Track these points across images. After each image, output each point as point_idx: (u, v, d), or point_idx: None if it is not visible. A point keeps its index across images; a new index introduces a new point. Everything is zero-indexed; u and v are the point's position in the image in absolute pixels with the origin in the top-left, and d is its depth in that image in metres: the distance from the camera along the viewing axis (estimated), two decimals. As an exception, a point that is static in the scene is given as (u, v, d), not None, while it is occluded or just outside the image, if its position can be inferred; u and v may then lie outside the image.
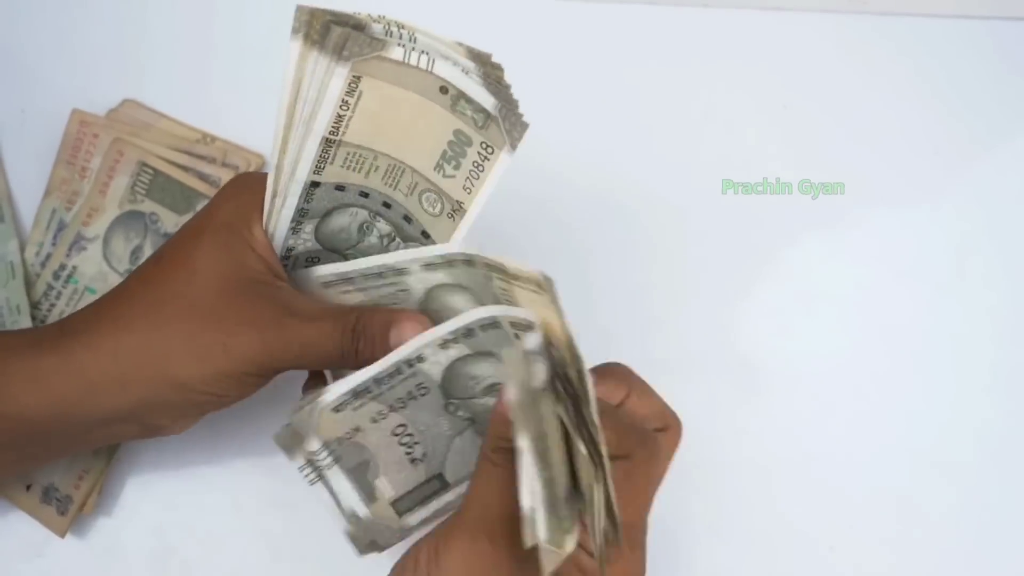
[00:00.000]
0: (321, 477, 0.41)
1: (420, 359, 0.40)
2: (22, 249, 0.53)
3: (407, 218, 0.44)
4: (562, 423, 0.35)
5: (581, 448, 0.35)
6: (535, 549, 0.37)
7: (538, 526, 0.34)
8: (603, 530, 0.36)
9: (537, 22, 0.57)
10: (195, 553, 0.52)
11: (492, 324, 0.39)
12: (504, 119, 0.39)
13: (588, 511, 0.36)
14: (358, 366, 0.41)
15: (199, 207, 0.52)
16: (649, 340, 0.53)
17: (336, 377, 0.46)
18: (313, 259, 0.45)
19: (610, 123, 0.56)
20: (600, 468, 0.35)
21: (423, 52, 0.38)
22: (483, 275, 0.40)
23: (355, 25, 0.38)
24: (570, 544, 0.36)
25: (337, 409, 0.40)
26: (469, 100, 0.39)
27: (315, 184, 0.42)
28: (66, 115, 0.53)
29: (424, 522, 0.44)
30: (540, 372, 0.34)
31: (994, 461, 0.53)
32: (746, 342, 0.54)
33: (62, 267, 0.52)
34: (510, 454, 0.37)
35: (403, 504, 0.43)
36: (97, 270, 0.52)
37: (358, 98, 0.39)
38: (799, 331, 0.54)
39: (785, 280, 0.55)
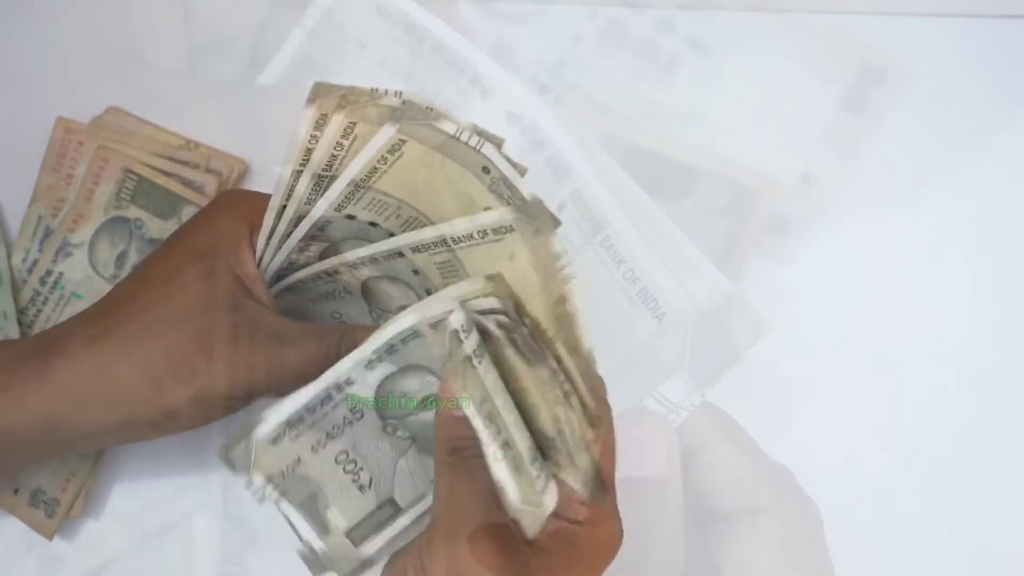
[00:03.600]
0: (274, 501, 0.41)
1: (349, 382, 0.40)
2: (9, 256, 0.53)
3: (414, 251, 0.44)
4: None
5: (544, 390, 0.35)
6: (517, 533, 0.38)
7: (508, 492, 0.35)
8: (586, 473, 0.36)
9: (509, 25, 0.57)
10: (181, 555, 0.52)
11: (412, 335, 0.39)
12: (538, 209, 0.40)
13: (564, 462, 0.36)
14: None
15: (183, 212, 0.52)
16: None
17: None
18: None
19: (584, 124, 0.56)
20: (573, 397, 0.35)
21: (473, 134, 0.39)
22: (412, 265, 0.41)
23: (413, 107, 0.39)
24: (548, 502, 0.36)
25: (274, 442, 0.40)
26: (509, 185, 0.39)
27: (330, 220, 0.42)
28: (51, 123, 0.54)
29: (382, 551, 0.43)
30: (470, 342, 0.36)
31: (969, 459, 0.53)
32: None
33: (48, 273, 0.53)
34: (462, 452, 0.38)
35: (358, 533, 0.42)
36: (83, 276, 0.53)
37: (398, 157, 0.39)
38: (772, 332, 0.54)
39: (758, 280, 0.55)
